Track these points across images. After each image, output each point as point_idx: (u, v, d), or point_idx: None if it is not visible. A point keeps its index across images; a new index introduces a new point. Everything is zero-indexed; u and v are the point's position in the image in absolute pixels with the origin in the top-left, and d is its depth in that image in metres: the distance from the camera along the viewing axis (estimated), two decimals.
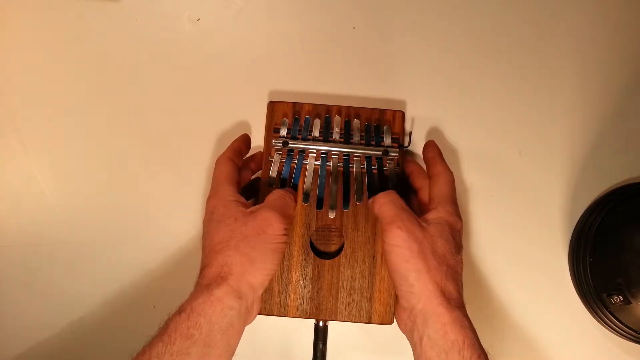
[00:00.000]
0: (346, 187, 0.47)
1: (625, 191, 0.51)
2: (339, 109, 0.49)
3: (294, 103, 0.49)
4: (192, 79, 0.54)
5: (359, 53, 0.55)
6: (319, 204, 0.46)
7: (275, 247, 0.42)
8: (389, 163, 0.48)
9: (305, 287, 0.45)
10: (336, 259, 0.46)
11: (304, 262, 0.45)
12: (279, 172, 0.47)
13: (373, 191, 0.46)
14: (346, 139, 0.48)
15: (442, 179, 0.46)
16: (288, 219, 0.44)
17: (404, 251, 0.41)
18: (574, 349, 0.52)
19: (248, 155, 0.50)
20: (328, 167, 0.47)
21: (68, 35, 0.54)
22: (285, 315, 0.45)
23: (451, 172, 0.47)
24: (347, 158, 0.47)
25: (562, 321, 0.52)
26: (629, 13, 0.54)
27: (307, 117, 0.48)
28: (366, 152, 0.47)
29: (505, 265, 0.53)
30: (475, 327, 0.40)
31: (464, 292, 0.42)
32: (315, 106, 0.49)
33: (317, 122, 0.48)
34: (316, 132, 0.48)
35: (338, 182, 0.47)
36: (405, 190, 0.49)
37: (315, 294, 0.45)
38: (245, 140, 0.49)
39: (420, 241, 0.41)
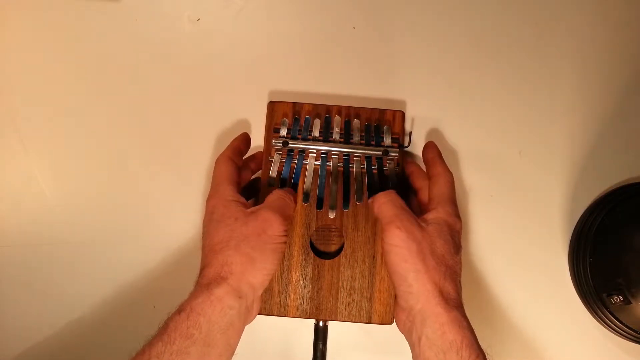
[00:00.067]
0: (346, 187, 0.47)
1: (625, 191, 0.51)
2: (339, 109, 0.49)
3: (294, 103, 0.49)
4: (192, 79, 0.54)
5: (359, 53, 0.55)
6: (319, 204, 0.46)
7: (275, 248, 0.42)
8: (389, 163, 0.48)
9: (305, 287, 0.45)
10: (336, 259, 0.46)
11: (304, 262, 0.45)
12: (279, 172, 0.47)
13: (373, 191, 0.46)
14: (346, 139, 0.48)
15: (442, 180, 0.46)
16: (288, 220, 0.44)
17: (402, 251, 0.41)
18: (574, 349, 0.52)
19: (248, 154, 0.50)
20: (328, 167, 0.47)
21: (68, 35, 0.54)
22: (285, 315, 0.45)
23: (451, 173, 0.47)
24: (347, 158, 0.47)
25: (562, 321, 0.52)
26: (629, 13, 0.54)
27: (307, 117, 0.48)
28: (366, 152, 0.47)
29: (505, 265, 0.53)
30: (474, 327, 0.40)
31: (464, 292, 0.42)
32: (315, 106, 0.49)
33: (317, 122, 0.48)
34: (316, 132, 0.48)
35: (338, 182, 0.47)
36: (405, 190, 0.49)
37: (315, 294, 0.45)
38: (245, 139, 0.49)
39: (419, 241, 0.41)
